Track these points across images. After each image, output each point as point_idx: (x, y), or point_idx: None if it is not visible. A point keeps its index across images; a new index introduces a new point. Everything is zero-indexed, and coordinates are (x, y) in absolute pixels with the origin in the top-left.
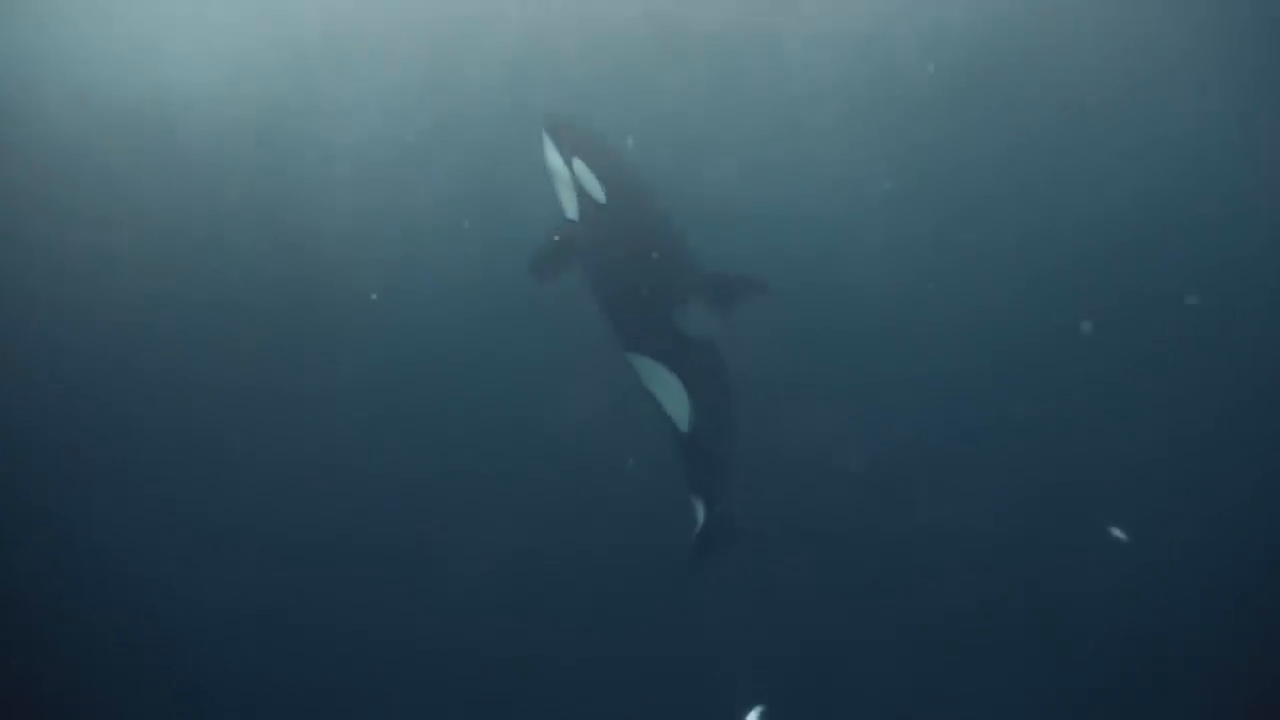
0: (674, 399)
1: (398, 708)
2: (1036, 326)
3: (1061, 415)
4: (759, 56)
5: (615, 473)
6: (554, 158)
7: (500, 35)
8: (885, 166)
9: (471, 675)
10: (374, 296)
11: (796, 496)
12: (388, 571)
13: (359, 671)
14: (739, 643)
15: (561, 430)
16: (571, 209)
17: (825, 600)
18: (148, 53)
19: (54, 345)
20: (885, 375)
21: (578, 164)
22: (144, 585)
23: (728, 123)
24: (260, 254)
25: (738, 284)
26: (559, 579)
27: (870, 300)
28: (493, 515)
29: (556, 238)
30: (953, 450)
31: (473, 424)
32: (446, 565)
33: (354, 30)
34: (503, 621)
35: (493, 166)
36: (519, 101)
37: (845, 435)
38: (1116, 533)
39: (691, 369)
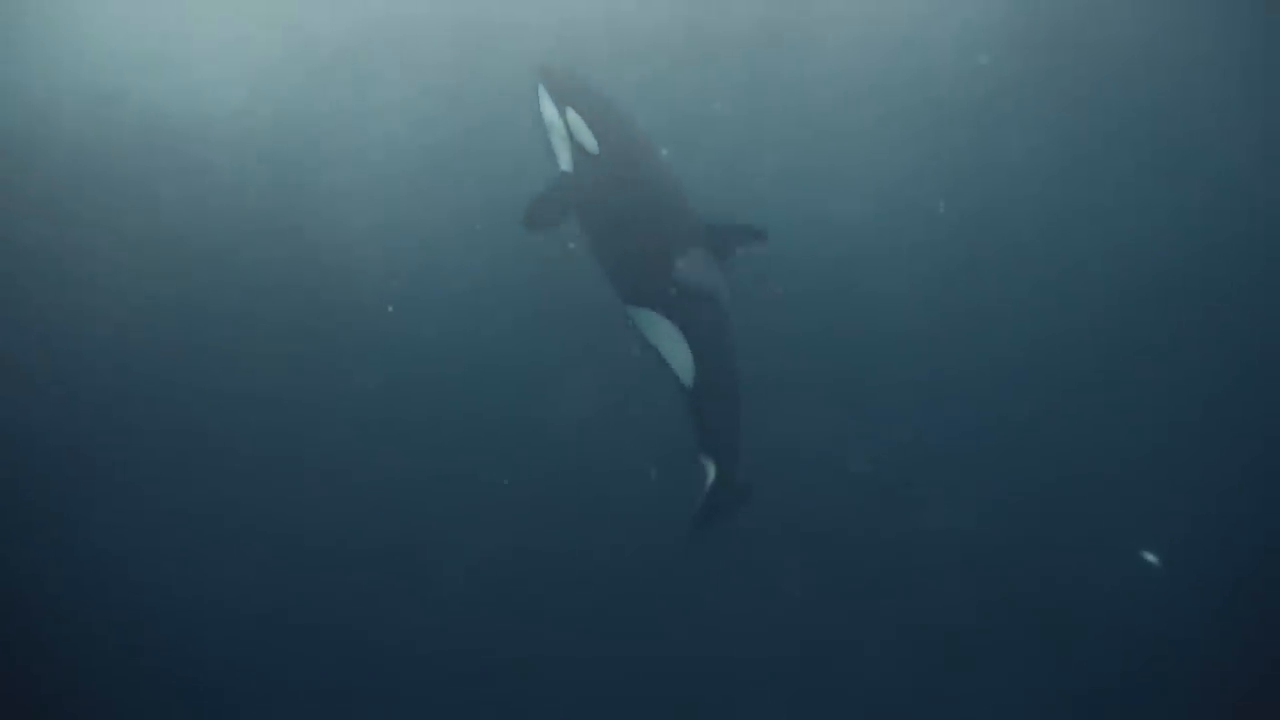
0: (676, 351)
1: (399, 708)
2: (1055, 331)
3: (1068, 419)
4: (792, 60)
5: (621, 475)
6: (548, 108)
7: (525, 43)
8: (921, 174)
9: (473, 676)
10: (390, 309)
11: (799, 496)
12: (393, 573)
13: (362, 673)
14: (739, 644)
15: (570, 433)
16: (565, 161)
17: (825, 599)
18: (172, 62)
19: (69, 351)
20: (895, 377)
21: (571, 114)
22: (151, 587)
23: (760, 129)
24: (279, 264)
25: (736, 232)
26: (563, 580)
27: (891, 304)
28: (499, 517)
29: (549, 189)
30: (957, 452)
31: (483, 428)
32: (454, 566)
33: (376, 39)
34: (504, 622)
35: (517, 178)
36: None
37: (850, 436)
38: (1149, 558)
39: (692, 320)
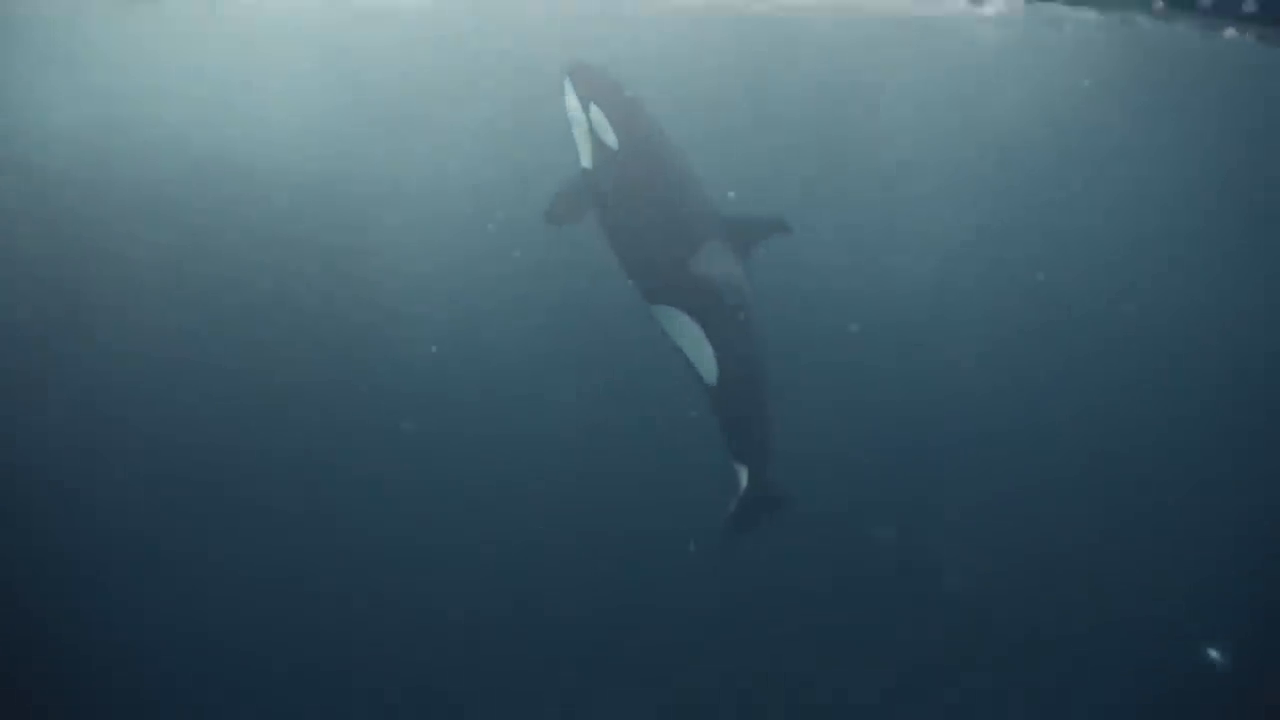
0: (699, 350)
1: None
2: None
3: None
4: (854, 109)
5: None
6: (573, 104)
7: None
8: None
9: (475, 677)
10: (434, 349)
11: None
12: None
13: (364, 675)
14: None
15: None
16: (586, 157)
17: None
18: (227, 98)
19: (113, 380)
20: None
21: (594, 111)
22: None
23: (821, 180)
24: (325, 301)
25: (758, 225)
26: (567, 581)
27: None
28: (509, 523)
29: (571, 185)
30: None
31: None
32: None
33: (429, 79)
34: (505, 623)
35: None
36: None
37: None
38: (1214, 654)
39: (714, 317)
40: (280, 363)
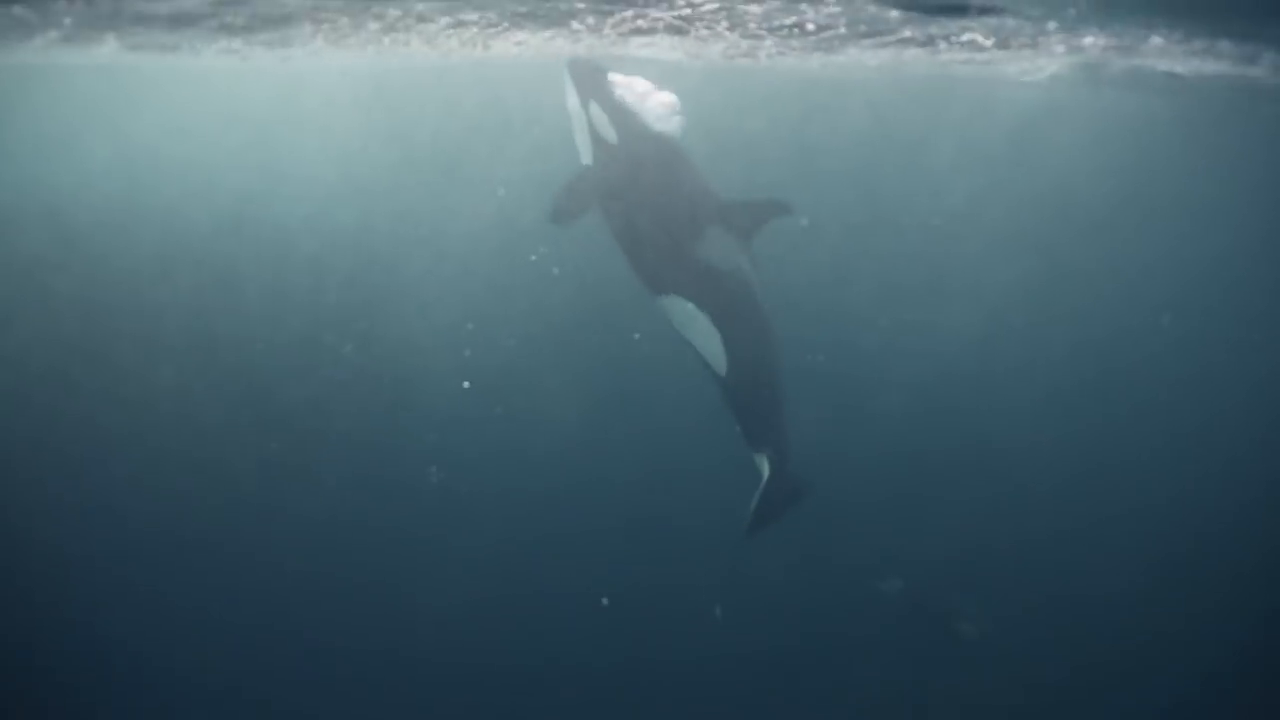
0: (708, 339)
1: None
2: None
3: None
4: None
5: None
6: (572, 100)
7: None
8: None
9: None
10: (466, 385)
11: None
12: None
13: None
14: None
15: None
16: (587, 154)
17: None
18: (270, 150)
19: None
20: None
21: (593, 107)
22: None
23: (867, 238)
24: (361, 347)
25: (759, 208)
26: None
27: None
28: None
29: (572, 182)
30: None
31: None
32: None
33: (465, 133)
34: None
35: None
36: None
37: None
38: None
39: (721, 303)
40: (319, 404)
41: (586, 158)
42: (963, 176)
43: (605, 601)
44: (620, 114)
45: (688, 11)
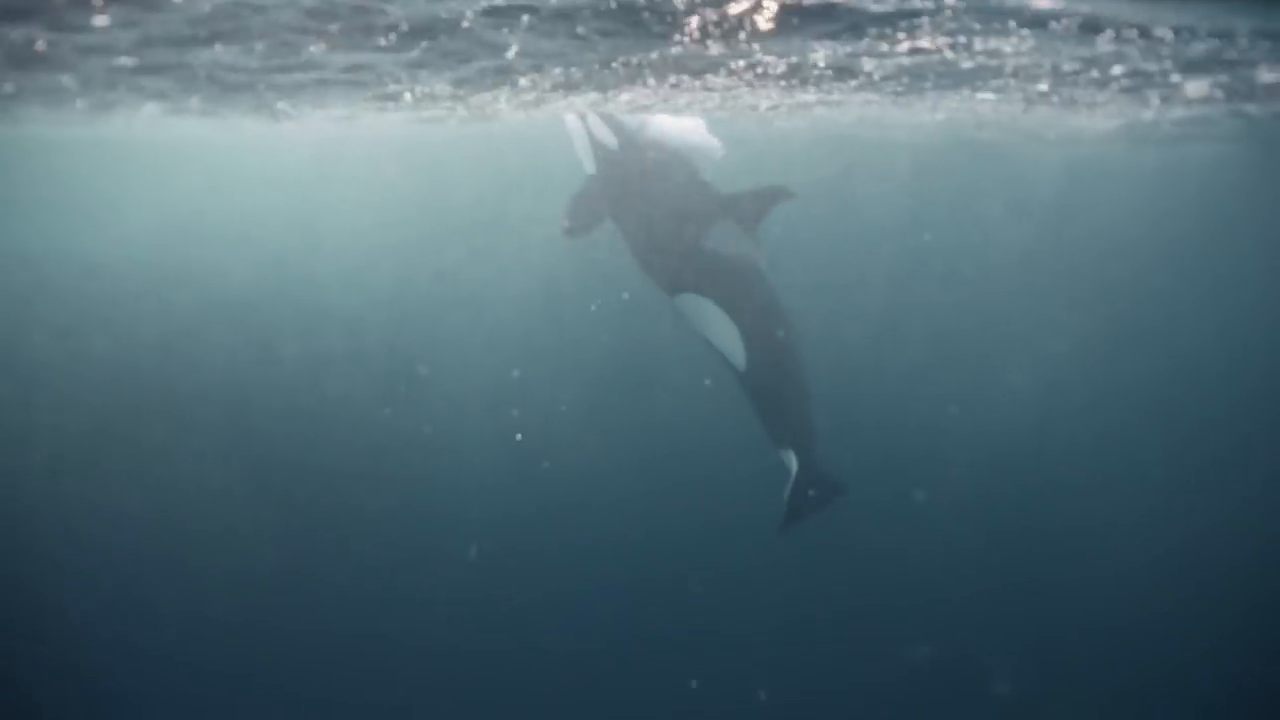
0: (725, 333)
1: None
2: None
3: None
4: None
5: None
6: (571, 117)
7: None
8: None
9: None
10: (519, 437)
11: None
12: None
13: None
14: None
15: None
16: (590, 163)
17: None
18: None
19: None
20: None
21: (591, 119)
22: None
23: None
24: (392, 405)
25: (763, 196)
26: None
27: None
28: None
29: (579, 192)
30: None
31: None
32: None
33: (506, 193)
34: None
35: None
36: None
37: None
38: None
39: (735, 296)
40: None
41: (590, 167)
42: (1014, 229)
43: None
44: (616, 121)
45: (750, 76)
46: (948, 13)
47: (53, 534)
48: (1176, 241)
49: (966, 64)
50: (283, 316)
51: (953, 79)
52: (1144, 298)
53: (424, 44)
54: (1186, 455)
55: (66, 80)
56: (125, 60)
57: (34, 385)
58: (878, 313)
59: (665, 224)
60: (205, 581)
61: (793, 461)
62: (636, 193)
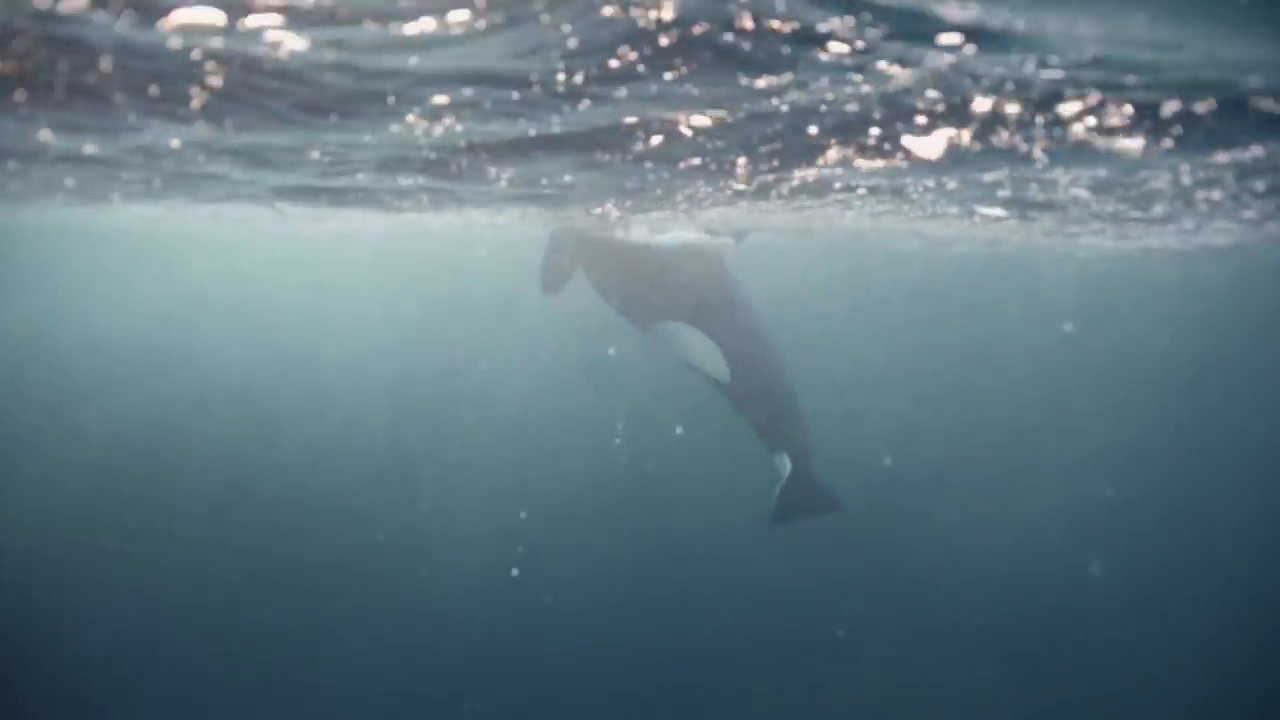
0: (704, 351)
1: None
2: None
3: None
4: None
5: None
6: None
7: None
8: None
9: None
10: (524, 514)
11: None
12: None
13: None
14: None
15: None
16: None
17: None
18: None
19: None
20: None
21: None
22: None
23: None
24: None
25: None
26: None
27: None
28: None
29: (550, 249)
30: None
31: None
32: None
33: (518, 286)
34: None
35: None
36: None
37: None
38: None
39: (708, 315)
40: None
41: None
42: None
43: None
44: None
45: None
46: (1038, 164)
47: (36, 616)
48: (1198, 353)
49: (1035, 196)
50: (282, 406)
51: (1019, 206)
52: (1166, 409)
53: (422, 179)
54: (1214, 569)
55: (69, 183)
56: (129, 175)
57: (22, 463)
58: (895, 417)
59: (630, 262)
60: (192, 673)
61: (786, 465)
62: (598, 239)
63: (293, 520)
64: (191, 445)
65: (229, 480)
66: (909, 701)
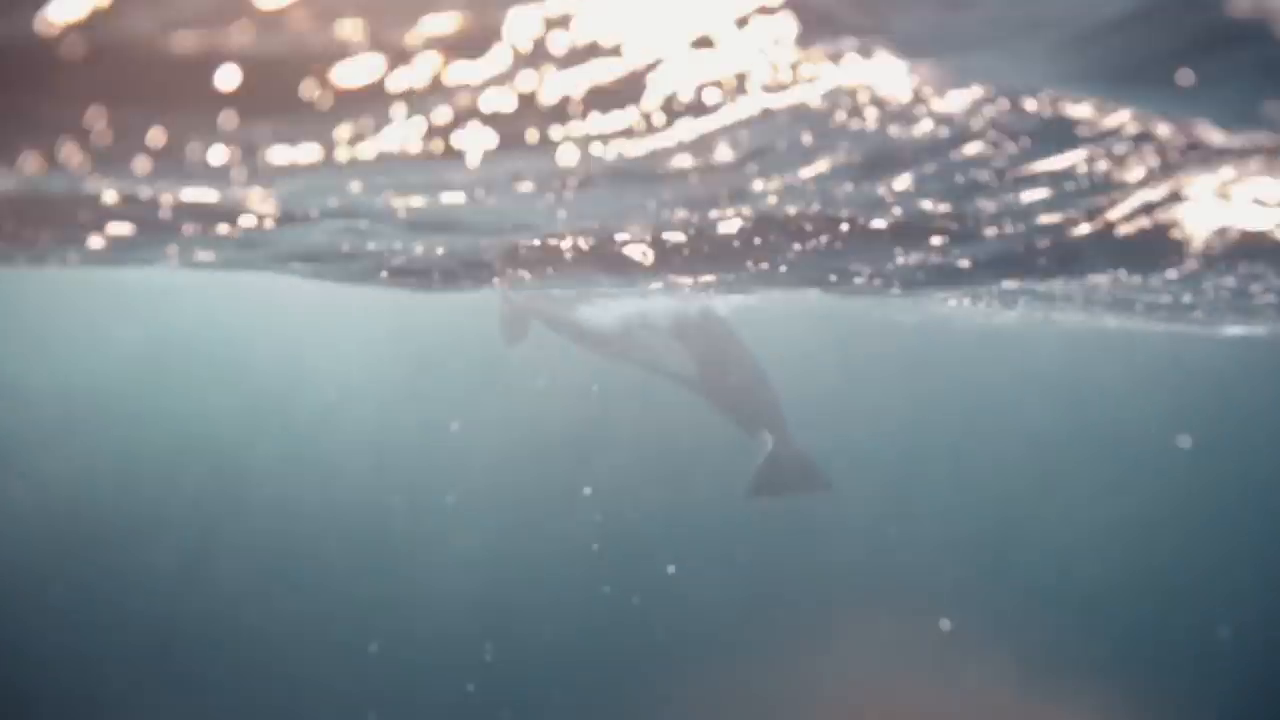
0: (668, 350)
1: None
2: None
3: None
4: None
5: None
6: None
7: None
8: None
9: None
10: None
11: None
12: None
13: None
14: None
15: None
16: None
17: None
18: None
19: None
20: None
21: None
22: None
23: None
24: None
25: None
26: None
27: None
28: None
29: (504, 304)
30: None
31: None
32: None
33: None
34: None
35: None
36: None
37: None
38: None
39: (673, 319)
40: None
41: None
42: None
43: None
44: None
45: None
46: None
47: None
48: (1192, 424)
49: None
50: (257, 459)
51: (1042, 300)
52: (1160, 480)
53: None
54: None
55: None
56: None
57: None
58: (882, 488)
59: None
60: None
61: (767, 441)
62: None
63: (263, 577)
64: (162, 497)
65: (200, 534)
66: None
